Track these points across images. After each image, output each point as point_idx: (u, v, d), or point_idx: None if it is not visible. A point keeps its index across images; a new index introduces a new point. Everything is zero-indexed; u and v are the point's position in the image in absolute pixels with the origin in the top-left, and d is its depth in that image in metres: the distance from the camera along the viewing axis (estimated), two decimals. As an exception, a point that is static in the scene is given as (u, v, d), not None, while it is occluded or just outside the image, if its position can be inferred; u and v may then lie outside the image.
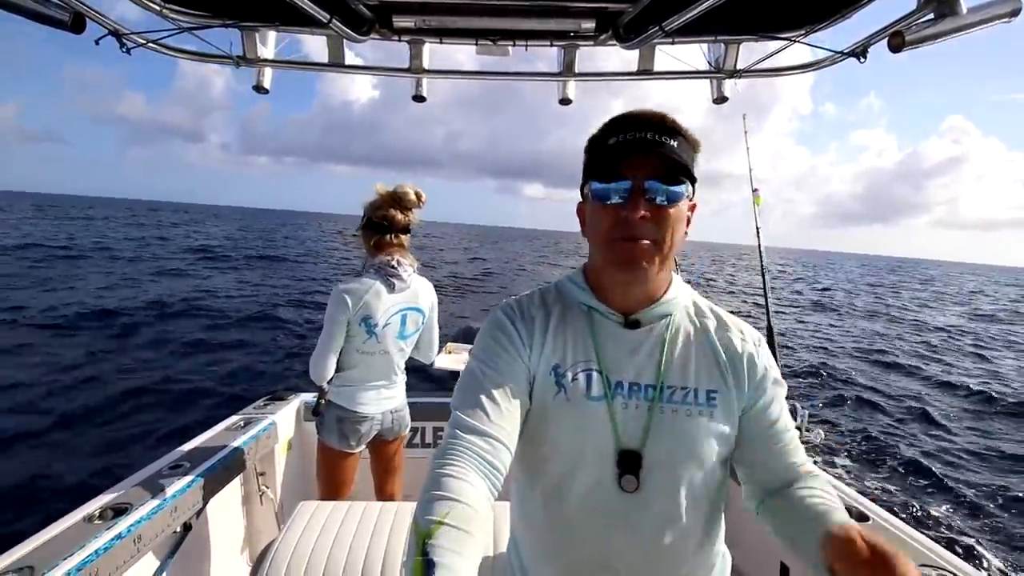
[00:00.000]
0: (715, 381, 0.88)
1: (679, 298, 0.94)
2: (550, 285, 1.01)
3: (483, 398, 0.83)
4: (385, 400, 2.14)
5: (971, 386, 8.83)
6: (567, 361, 0.89)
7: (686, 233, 0.88)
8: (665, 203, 0.82)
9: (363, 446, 2.14)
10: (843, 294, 27.45)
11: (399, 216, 2.04)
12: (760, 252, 2.07)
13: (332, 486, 2.10)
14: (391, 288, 2.01)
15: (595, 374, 0.87)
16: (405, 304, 2.07)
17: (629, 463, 0.84)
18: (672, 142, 0.82)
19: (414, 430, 2.60)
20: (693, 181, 0.84)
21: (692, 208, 0.87)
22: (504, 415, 0.82)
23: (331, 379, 2.06)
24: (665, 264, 0.88)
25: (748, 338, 0.93)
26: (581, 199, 0.94)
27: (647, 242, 0.83)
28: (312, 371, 2.00)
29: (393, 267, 2.01)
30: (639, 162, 0.81)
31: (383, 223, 2.02)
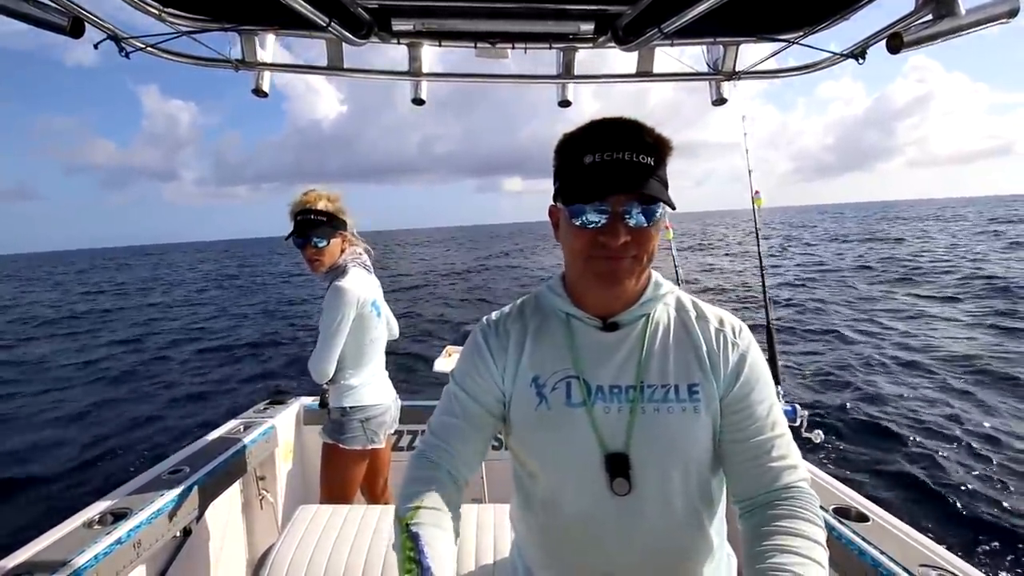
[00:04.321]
0: (695, 374, 0.87)
1: (659, 295, 0.93)
2: (530, 296, 1.01)
3: (453, 421, 0.93)
4: (390, 388, 2.22)
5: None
6: (546, 371, 0.90)
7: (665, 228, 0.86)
8: (644, 225, 0.81)
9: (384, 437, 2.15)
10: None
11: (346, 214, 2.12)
12: (759, 254, 2.07)
13: (346, 489, 2.07)
14: (369, 271, 2.12)
15: (574, 381, 0.88)
16: (376, 285, 2.17)
17: (617, 466, 0.84)
18: (650, 160, 0.80)
19: (413, 433, 2.60)
20: (668, 200, 0.81)
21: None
22: (470, 437, 0.93)
23: (345, 385, 2.03)
24: (644, 272, 0.89)
25: (727, 325, 0.92)
26: (553, 203, 0.91)
27: (627, 260, 0.83)
28: (316, 372, 1.97)
29: (361, 254, 2.11)
30: (617, 185, 0.79)
31: (344, 220, 2.06)
